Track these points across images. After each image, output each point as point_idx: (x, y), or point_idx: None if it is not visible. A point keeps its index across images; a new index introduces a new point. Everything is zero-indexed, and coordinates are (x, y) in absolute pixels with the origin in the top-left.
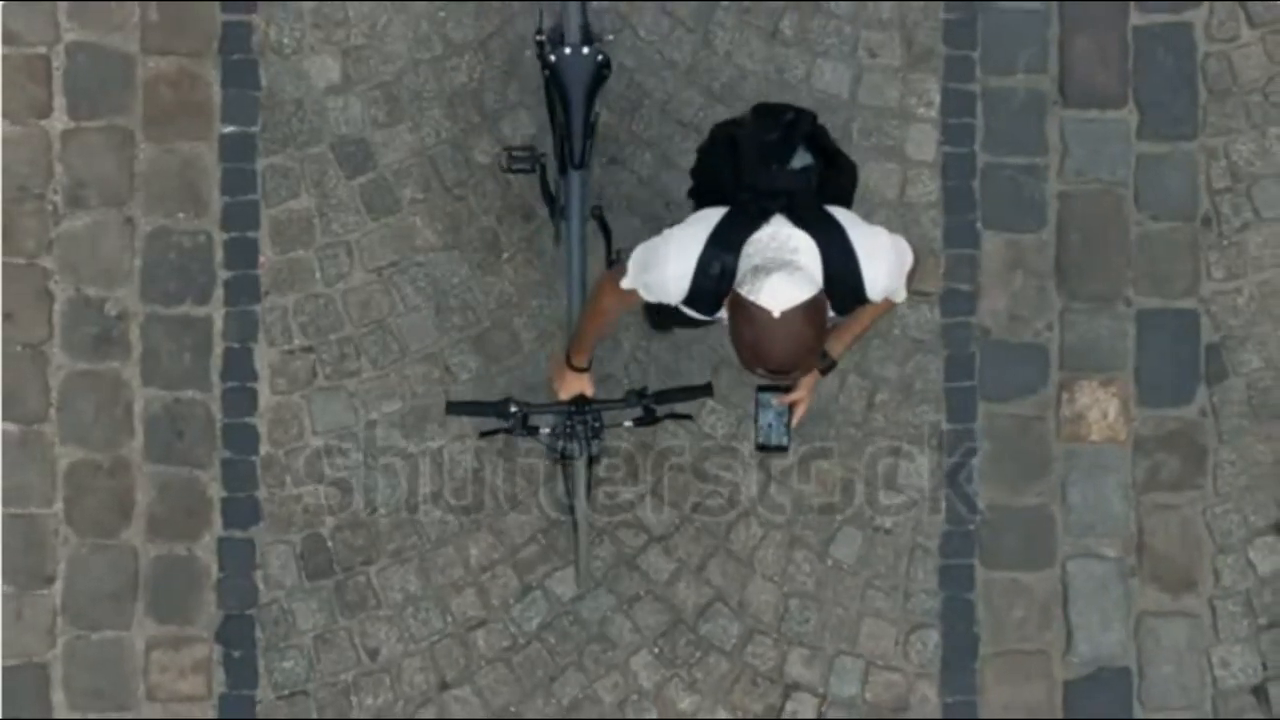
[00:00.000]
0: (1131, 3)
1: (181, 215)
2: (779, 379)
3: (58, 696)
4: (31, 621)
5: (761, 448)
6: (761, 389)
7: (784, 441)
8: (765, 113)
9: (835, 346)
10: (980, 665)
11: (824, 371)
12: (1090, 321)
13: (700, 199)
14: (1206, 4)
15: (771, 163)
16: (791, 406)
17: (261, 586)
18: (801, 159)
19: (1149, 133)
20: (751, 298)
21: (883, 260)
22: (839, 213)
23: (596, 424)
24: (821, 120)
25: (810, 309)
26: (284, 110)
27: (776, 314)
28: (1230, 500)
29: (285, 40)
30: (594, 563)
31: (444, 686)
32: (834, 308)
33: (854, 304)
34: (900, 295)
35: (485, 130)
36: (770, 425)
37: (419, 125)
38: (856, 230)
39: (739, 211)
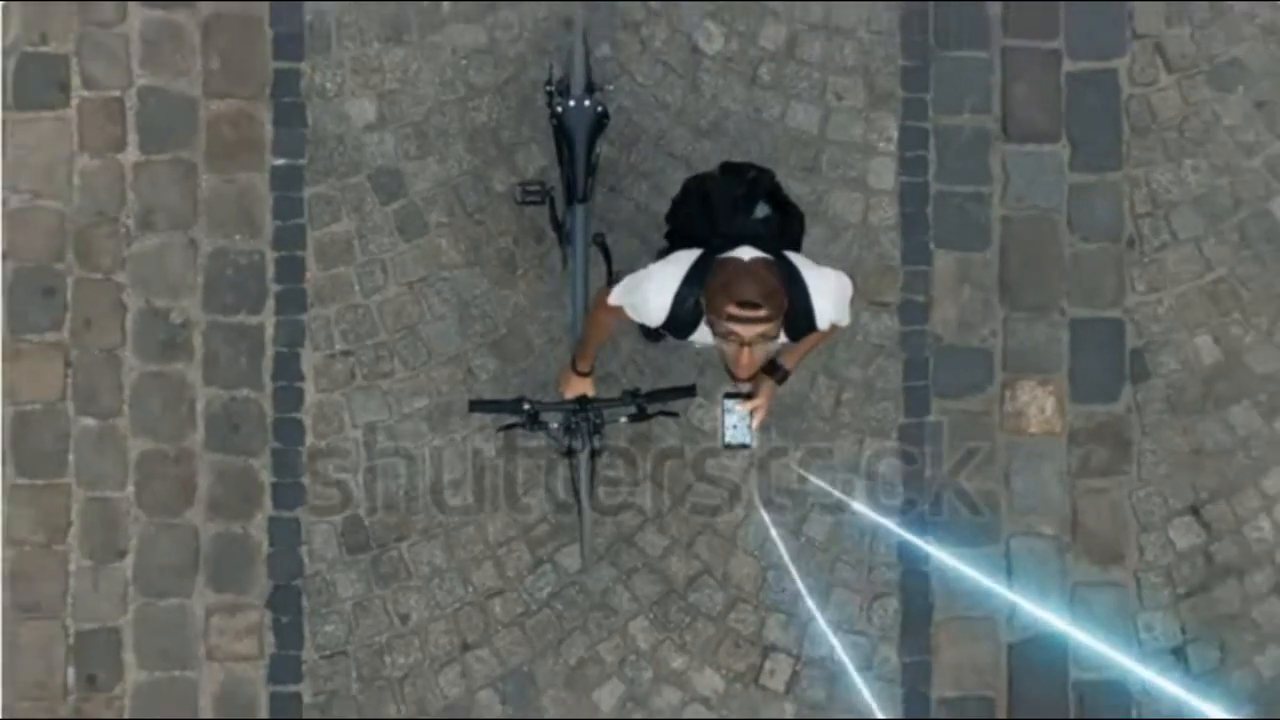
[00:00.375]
0: (1063, 51)
1: (238, 236)
2: (748, 317)
3: (129, 656)
4: (106, 591)
5: (727, 446)
6: (727, 395)
7: (747, 440)
8: (731, 170)
9: (789, 361)
10: (934, 630)
11: (780, 381)
12: (1029, 329)
13: (674, 241)
14: (1129, 53)
15: (739, 213)
16: (752, 411)
17: (306, 560)
18: (762, 210)
19: (1079, 164)
20: (727, 255)
21: (830, 296)
22: (793, 256)
23: (598, 420)
24: (793, 154)
25: (771, 265)
26: (327, 145)
27: (746, 259)
28: (1152, 485)
29: (328, 85)
30: (596, 540)
31: (466, 648)
32: (788, 334)
33: (806, 331)
34: (844, 321)
35: (502, 162)
36: (735, 426)
37: (445, 158)
38: (808, 271)
39: (711, 253)
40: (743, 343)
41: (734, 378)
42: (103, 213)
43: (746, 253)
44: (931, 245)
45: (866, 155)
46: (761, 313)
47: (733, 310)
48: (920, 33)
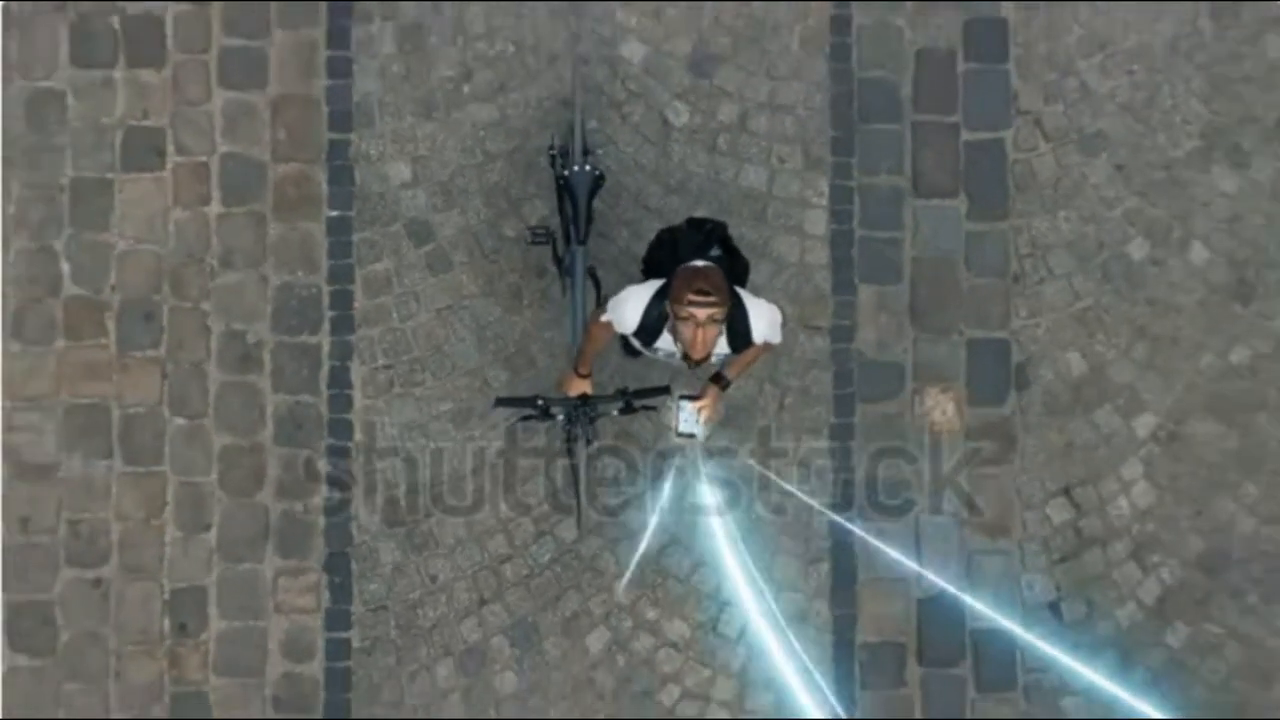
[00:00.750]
0: (961, 124)
1: (300, 273)
2: (702, 301)
3: (212, 610)
4: (194, 557)
5: (679, 435)
6: (681, 396)
7: (695, 432)
8: (694, 223)
9: (731, 372)
10: (859, 589)
11: (723, 389)
12: (934, 347)
13: (648, 274)
14: (1014, 126)
15: (697, 254)
16: (700, 409)
17: (355, 533)
18: (715, 252)
19: (974, 215)
20: (687, 264)
21: (763, 319)
22: (739, 290)
23: (593, 413)
24: (745, 207)
25: (718, 269)
26: (371, 200)
27: (700, 264)
28: (1033, 472)
29: (372, 152)
30: (588, 515)
31: (482, 603)
32: (730, 345)
33: (744, 345)
34: (775, 340)
35: (512, 214)
36: (685, 420)
37: (466, 210)
38: (749, 300)
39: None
40: (697, 323)
41: (689, 360)
42: (192, 254)
43: (700, 261)
44: (856, 280)
45: (803, 208)
46: (712, 299)
47: (691, 297)
48: (846, 109)
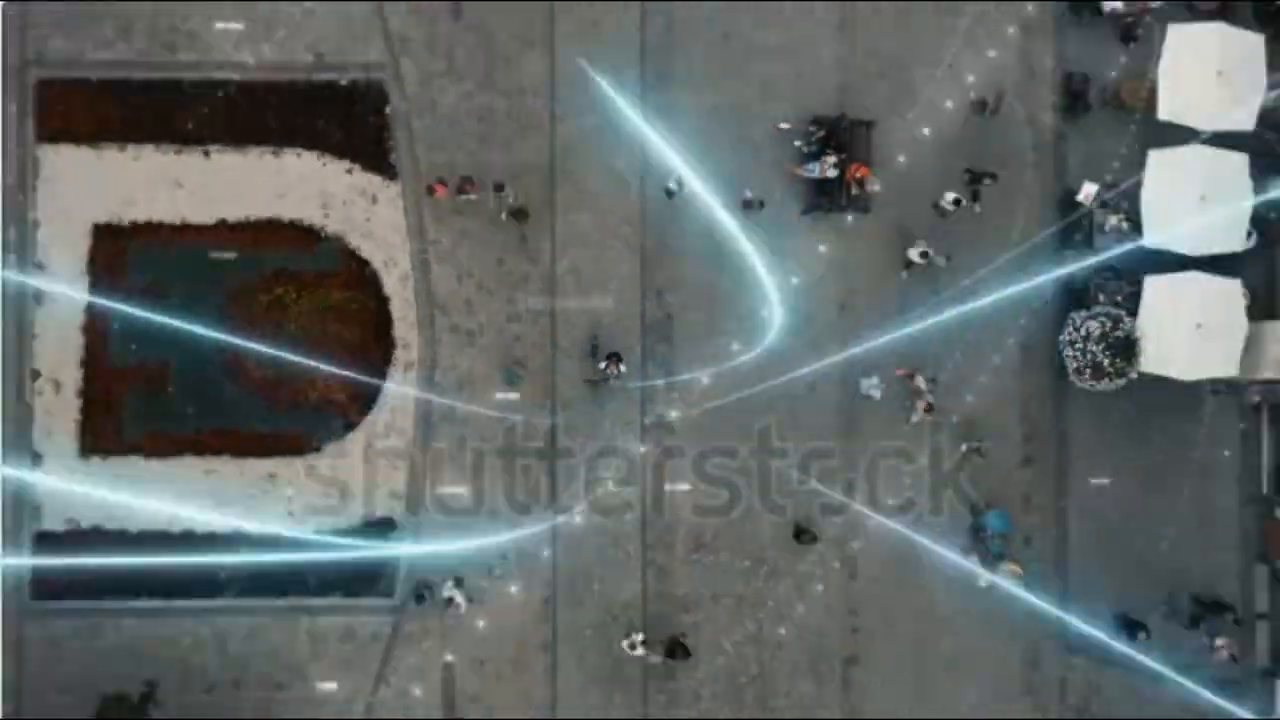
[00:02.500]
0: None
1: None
2: (613, 363)
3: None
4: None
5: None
6: (615, 378)
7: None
8: (611, 352)
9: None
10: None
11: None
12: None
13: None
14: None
15: (612, 357)
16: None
17: (560, 426)
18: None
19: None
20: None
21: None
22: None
23: (601, 379)
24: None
25: (619, 356)
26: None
27: (622, 359)
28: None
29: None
30: (600, 398)
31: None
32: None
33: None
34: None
35: (584, 368)
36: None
37: (576, 362)
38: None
39: (608, 361)
40: (613, 367)
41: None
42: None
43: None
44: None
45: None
46: (620, 364)
47: (610, 363)
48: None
